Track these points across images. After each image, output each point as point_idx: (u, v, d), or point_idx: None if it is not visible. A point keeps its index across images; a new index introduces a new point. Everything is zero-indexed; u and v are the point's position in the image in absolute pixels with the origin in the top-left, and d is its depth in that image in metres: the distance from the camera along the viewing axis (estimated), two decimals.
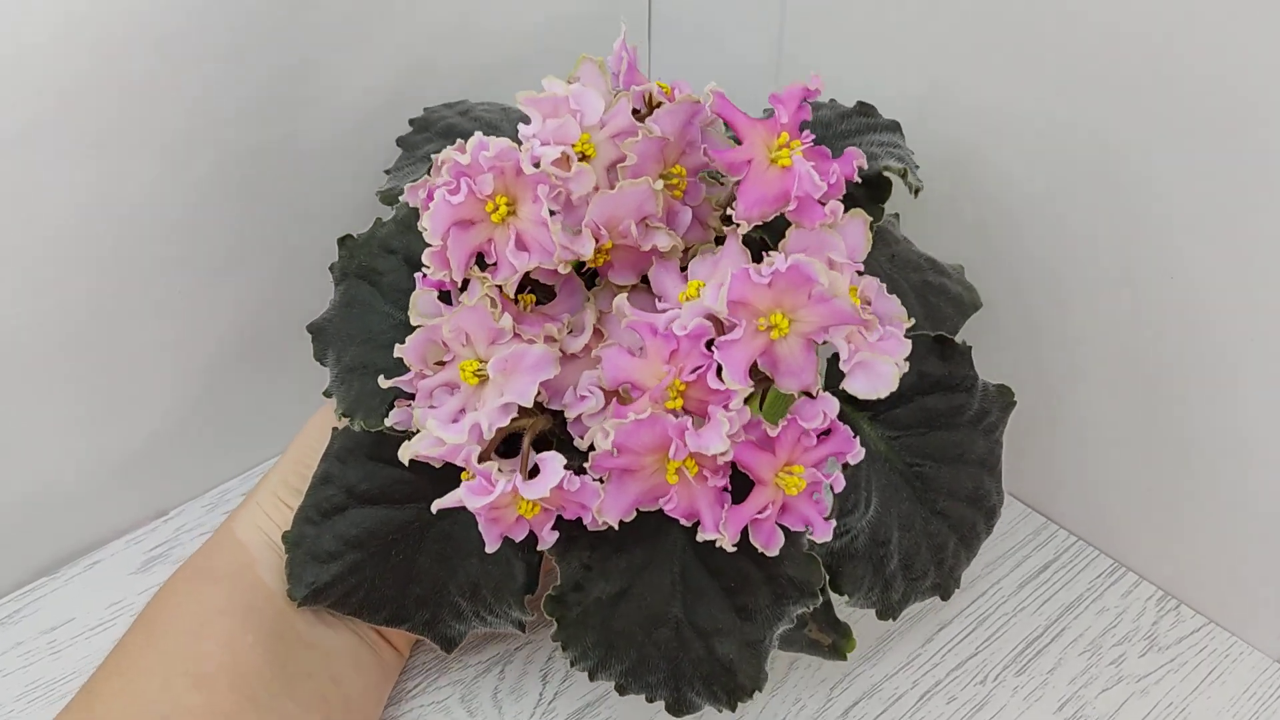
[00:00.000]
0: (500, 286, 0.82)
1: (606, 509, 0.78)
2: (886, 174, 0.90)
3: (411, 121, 1.08)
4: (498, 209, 0.79)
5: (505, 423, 0.80)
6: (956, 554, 0.98)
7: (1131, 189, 0.93)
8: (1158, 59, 0.83)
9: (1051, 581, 1.06)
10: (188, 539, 1.09)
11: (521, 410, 0.81)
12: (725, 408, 0.74)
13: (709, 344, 0.75)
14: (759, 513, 0.78)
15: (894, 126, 0.98)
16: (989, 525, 0.99)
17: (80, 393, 1.02)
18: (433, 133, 1.07)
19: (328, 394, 0.93)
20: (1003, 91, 1.00)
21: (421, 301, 0.85)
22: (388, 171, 1.08)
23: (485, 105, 1.10)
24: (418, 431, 0.83)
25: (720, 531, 0.77)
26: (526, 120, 0.80)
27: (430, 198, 0.81)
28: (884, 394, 0.77)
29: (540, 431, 0.83)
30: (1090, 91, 0.91)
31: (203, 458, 1.14)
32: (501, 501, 0.78)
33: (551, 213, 0.78)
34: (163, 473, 1.11)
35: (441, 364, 0.85)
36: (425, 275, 0.85)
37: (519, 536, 0.82)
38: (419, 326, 0.84)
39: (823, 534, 0.81)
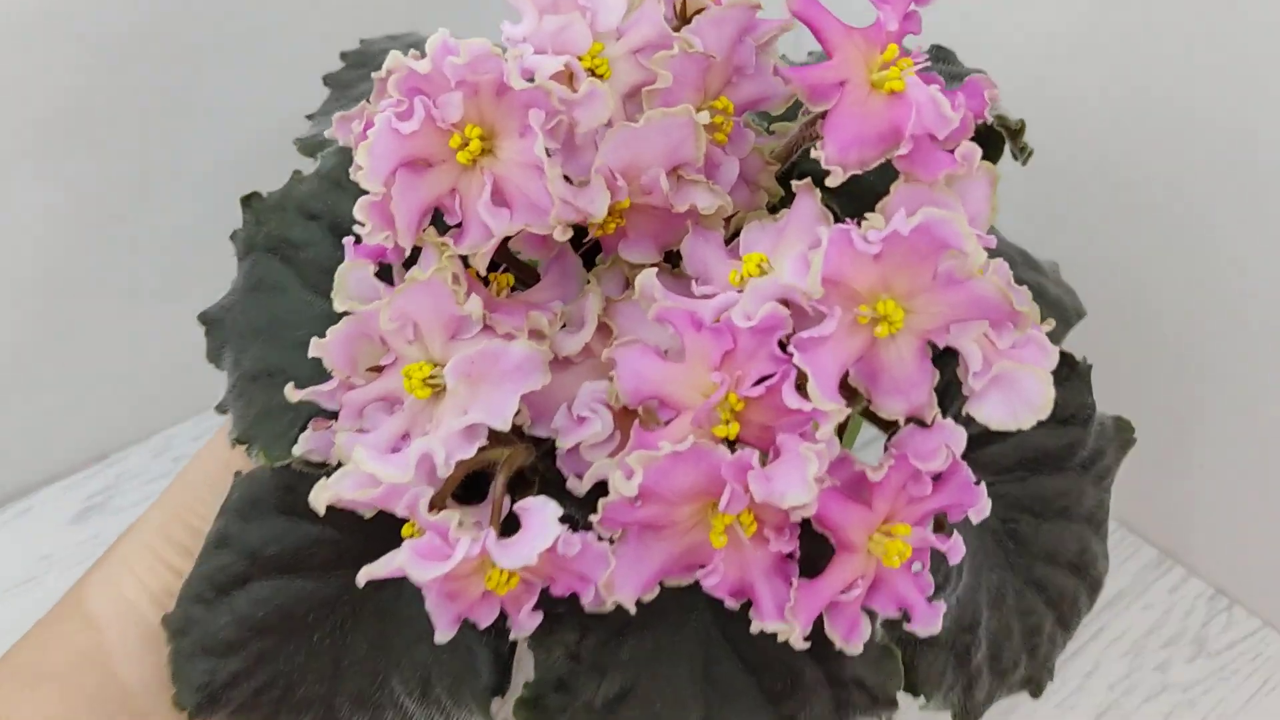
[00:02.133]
0: (466, 259, 0.57)
1: (620, 583, 0.53)
2: (999, 127, 0.67)
3: (344, 55, 0.82)
4: (467, 144, 0.55)
5: (470, 453, 0.55)
6: (1053, 637, 0.76)
7: None
8: None
9: None
10: (130, 487, 1.00)
11: (493, 436, 0.56)
12: (807, 438, 0.50)
13: (783, 344, 0.51)
14: (843, 591, 0.53)
15: (980, 73, 0.75)
16: (1091, 599, 0.77)
17: (13, 324, 0.93)
18: (371, 69, 0.81)
19: (221, 409, 0.67)
20: (1125, 57, 0.78)
21: (352, 279, 0.59)
22: (311, 117, 0.82)
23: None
24: (340, 466, 0.57)
25: (788, 620, 0.52)
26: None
27: (369, 128, 0.56)
28: (1029, 424, 0.53)
29: (518, 468, 0.58)
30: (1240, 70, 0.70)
31: (148, 399, 1.04)
32: (462, 570, 0.53)
33: (547, 152, 0.54)
34: (102, 414, 1.02)
35: (378, 369, 0.59)
36: (358, 240, 0.60)
37: (485, 620, 0.57)
38: (347, 314, 0.58)
39: (927, 622, 0.56)
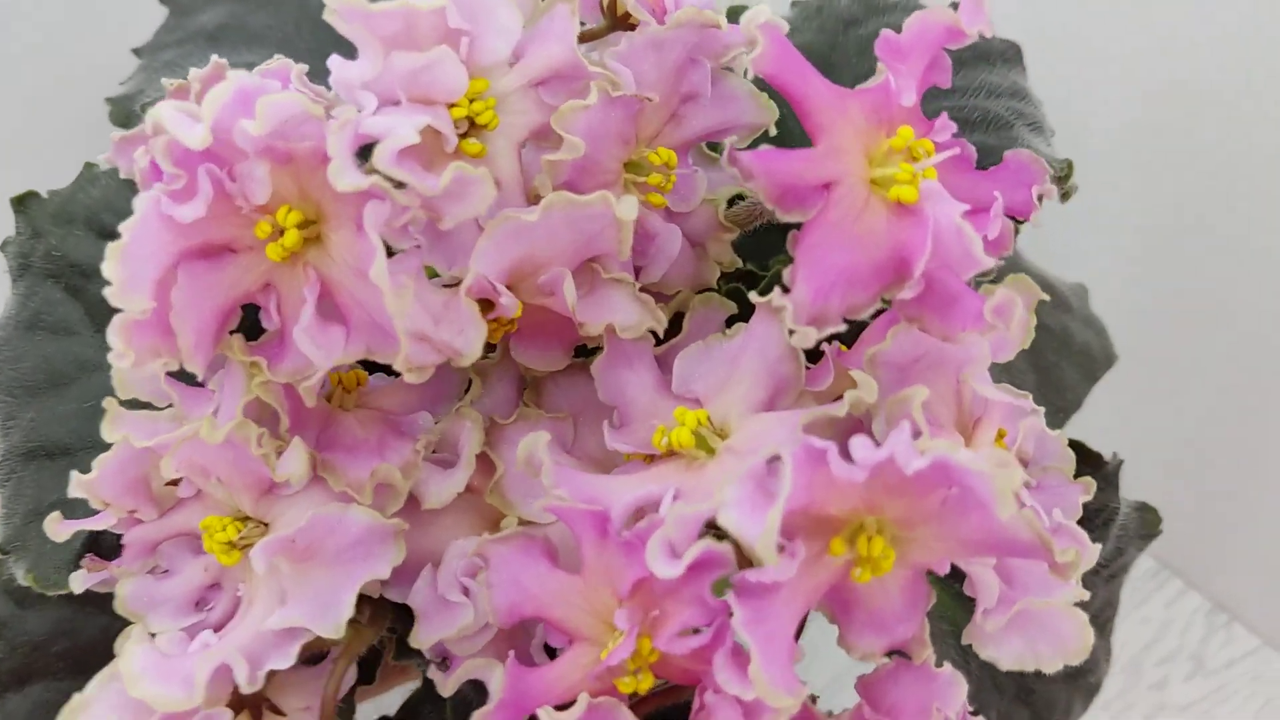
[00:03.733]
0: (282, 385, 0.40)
1: None
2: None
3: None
4: (281, 234, 0.37)
5: (288, 660, 0.40)
6: None
7: None
8: None
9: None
10: None
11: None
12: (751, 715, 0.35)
13: (719, 587, 0.35)
14: None
15: (1013, 55, 0.57)
16: (1086, 704, 0.64)
17: None
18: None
19: None
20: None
21: (137, 375, 0.43)
22: (137, 52, 0.62)
23: None
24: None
25: None
26: None
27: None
28: (1054, 669, 0.38)
29: (364, 648, 0.43)
30: None
31: None
32: None
33: (390, 251, 0.36)
34: None
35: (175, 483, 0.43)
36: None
37: None
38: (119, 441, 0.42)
39: None
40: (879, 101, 0.37)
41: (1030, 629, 0.38)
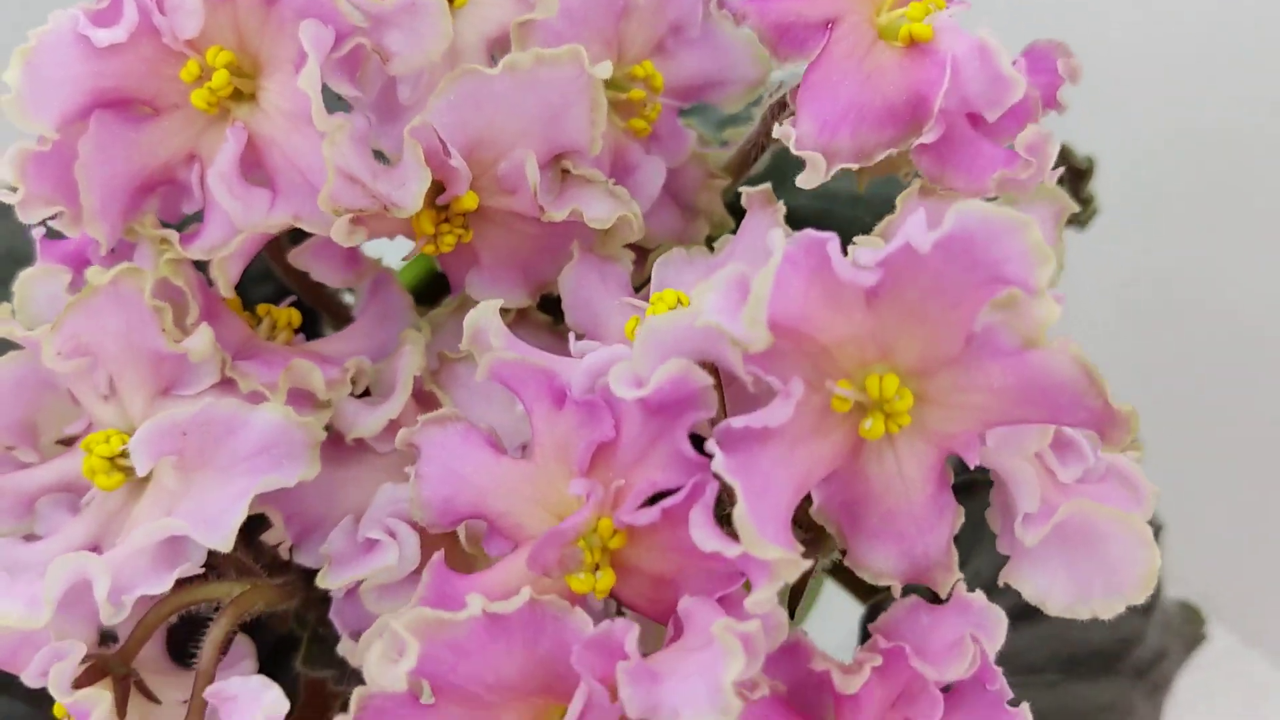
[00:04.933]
0: (195, 264, 0.35)
1: None
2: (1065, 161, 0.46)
3: None
4: (209, 78, 0.33)
5: (161, 585, 0.32)
6: None
7: None
8: None
9: None
10: None
11: (221, 562, 0.34)
12: (731, 608, 0.28)
13: (698, 440, 0.29)
14: None
15: None
16: None
17: None
18: None
19: None
20: None
21: (39, 294, 0.37)
22: None
23: None
24: None
25: None
26: None
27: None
28: (1109, 611, 0.31)
29: (255, 616, 0.35)
30: None
31: None
32: None
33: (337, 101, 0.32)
34: None
35: (67, 443, 0.37)
36: (51, 235, 0.38)
37: None
38: (18, 349, 0.36)
39: None
40: None
41: (1075, 546, 0.31)
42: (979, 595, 0.31)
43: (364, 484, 0.37)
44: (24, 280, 0.38)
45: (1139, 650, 0.50)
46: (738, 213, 0.41)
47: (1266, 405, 0.82)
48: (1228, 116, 0.75)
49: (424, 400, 0.37)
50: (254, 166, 0.34)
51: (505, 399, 0.36)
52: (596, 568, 0.30)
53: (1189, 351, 0.86)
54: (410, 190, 0.32)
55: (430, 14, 0.33)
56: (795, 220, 0.45)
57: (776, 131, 0.31)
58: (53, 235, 0.38)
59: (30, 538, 0.38)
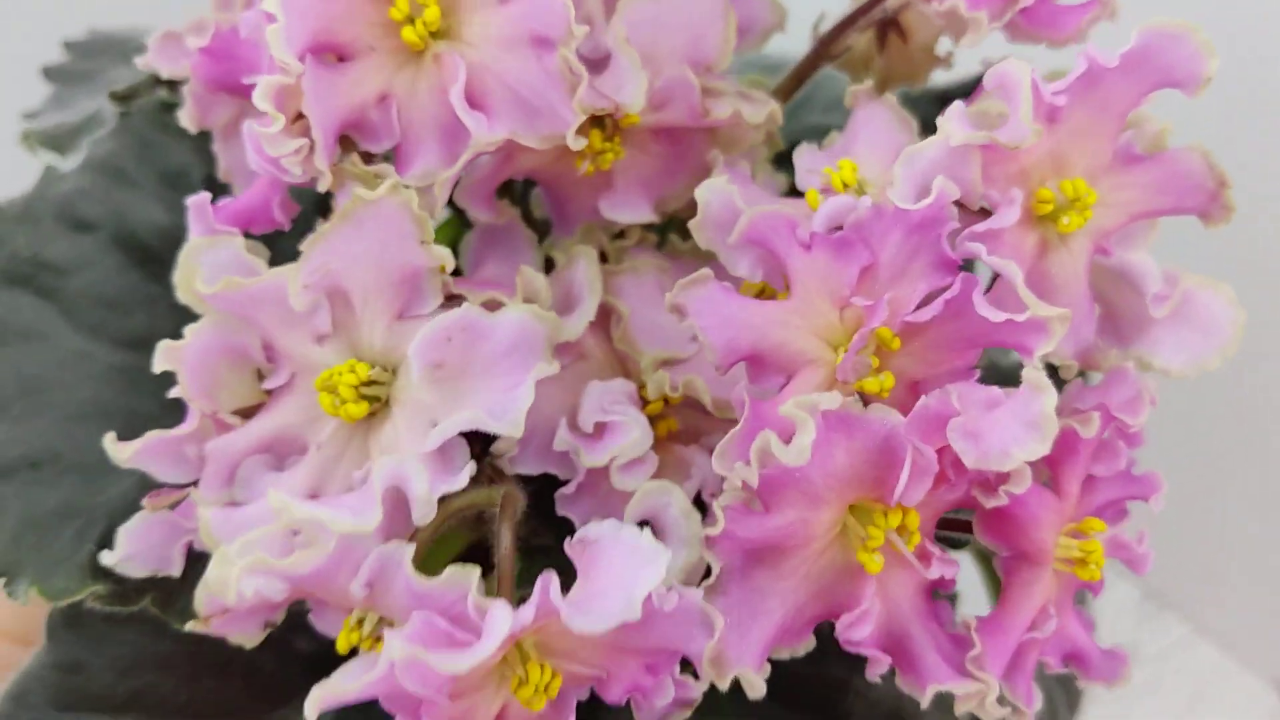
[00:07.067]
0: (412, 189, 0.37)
1: (734, 649, 0.34)
2: None
3: (70, 45, 0.58)
4: (421, 13, 0.36)
5: (458, 482, 0.34)
6: None
7: None
8: None
9: None
10: None
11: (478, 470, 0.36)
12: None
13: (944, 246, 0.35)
14: (1030, 628, 0.37)
15: None
16: None
17: None
18: (119, 55, 0.57)
19: None
20: None
21: (210, 261, 0.38)
22: (31, 116, 0.57)
23: None
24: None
25: (977, 675, 0.35)
26: None
27: (219, 50, 0.37)
28: (1215, 365, 0.39)
29: (519, 512, 0.38)
30: None
31: None
32: (488, 664, 0.32)
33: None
34: None
35: (248, 413, 0.38)
36: (215, 199, 0.39)
37: None
38: (210, 315, 0.37)
39: (1109, 672, 0.40)
40: None
41: (1186, 318, 0.39)
42: (1129, 365, 0.39)
43: (563, 389, 0.40)
44: (191, 249, 0.38)
45: None
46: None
47: (1216, 399, 0.85)
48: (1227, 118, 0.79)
49: (602, 315, 0.41)
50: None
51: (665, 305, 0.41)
52: (880, 371, 0.35)
53: None
54: (630, 89, 0.37)
55: None
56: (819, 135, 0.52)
57: (941, 7, 0.38)
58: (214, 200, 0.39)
59: (233, 505, 0.38)
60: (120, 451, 0.37)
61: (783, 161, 0.45)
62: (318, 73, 0.35)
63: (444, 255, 0.36)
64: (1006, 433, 0.32)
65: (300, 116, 0.36)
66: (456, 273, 0.43)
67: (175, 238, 0.46)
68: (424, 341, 0.35)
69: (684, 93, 0.40)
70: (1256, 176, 0.62)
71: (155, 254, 0.45)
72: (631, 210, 0.43)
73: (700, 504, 0.39)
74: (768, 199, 0.41)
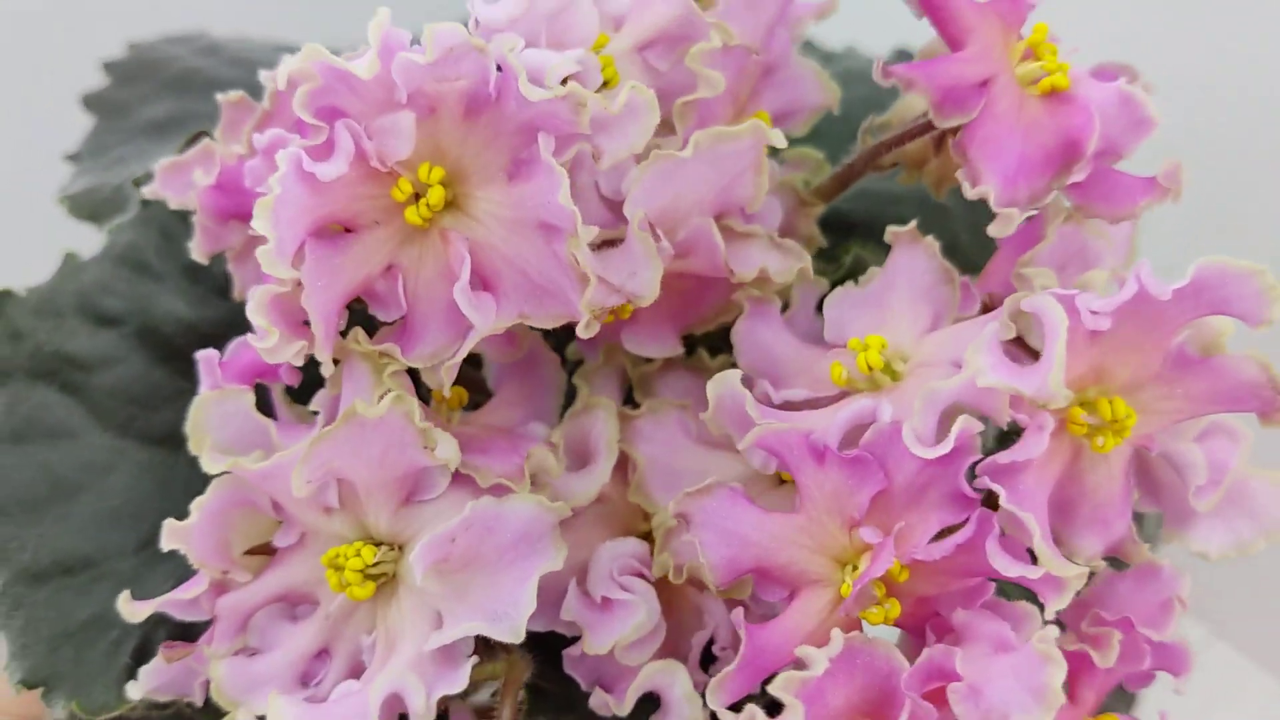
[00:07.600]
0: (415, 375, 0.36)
1: None
2: None
3: (109, 66, 0.57)
4: (424, 194, 0.34)
5: (461, 683, 0.34)
6: None
7: None
8: None
9: None
10: None
11: (485, 649, 0.36)
12: (1001, 613, 0.33)
13: (970, 472, 0.33)
14: None
15: None
16: None
17: None
18: (157, 83, 0.56)
19: None
20: None
21: (218, 417, 0.37)
22: (73, 158, 0.56)
23: (244, 41, 0.61)
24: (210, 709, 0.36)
25: None
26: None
27: (227, 184, 0.36)
28: (1258, 549, 0.37)
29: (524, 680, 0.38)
30: None
31: None
32: None
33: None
34: None
35: (267, 551, 0.38)
36: (229, 356, 0.38)
37: None
38: (221, 475, 0.37)
39: None
40: (1005, 5, 0.38)
41: (1233, 506, 0.37)
42: (1166, 563, 0.37)
43: (575, 537, 0.39)
44: (200, 404, 0.38)
45: None
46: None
47: None
48: (1225, 120, 0.76)
49: (620, 465, 0.40)
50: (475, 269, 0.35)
51: (688, 447, 0.39)
52: (885, 600, 0.34)
53: None
54: (644, 278, 0.35)
55: (643, 114, 0.35)
56: (849, 222, 0.50)
57: (971, 193, 0.35)
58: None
59: (246, 651, 0.39)
60: (133, 612, 0.37)
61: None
62: (318, 256, 0.34)
63: (449, 456, 0.35)
64: (1009, 695, 0.32)
65: None
66: (476, 390, 0.43)
67: (200, 332, 0.46)
68: (428, 546, 0.34)
69: (707, 245, 0.37)
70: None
71: (179, 350, 0.45)
72: (656, 344, 0.41)
73: (709, 654, 0.40)
74: (794, 346, 0.39)
